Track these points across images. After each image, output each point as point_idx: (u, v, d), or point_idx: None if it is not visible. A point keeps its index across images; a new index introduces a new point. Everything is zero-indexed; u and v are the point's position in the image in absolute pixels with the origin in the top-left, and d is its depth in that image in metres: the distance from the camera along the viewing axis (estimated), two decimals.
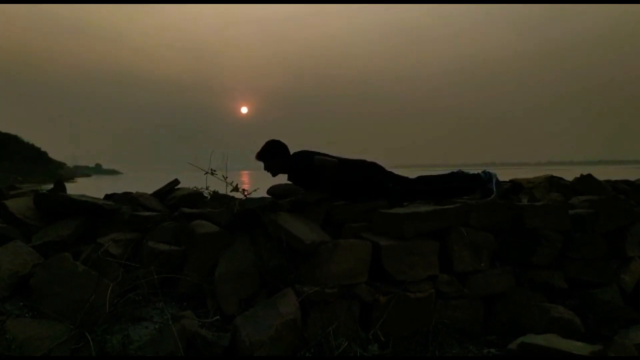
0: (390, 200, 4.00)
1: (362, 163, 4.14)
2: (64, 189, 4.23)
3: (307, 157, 4.01)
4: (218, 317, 3.04)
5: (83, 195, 4.03)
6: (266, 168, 4.16)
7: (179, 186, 4.78)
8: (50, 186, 4.43)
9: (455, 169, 4.38)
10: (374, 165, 4.15)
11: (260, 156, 4.15)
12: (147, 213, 3.83)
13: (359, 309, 3.13)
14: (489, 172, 4.17)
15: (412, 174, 4.42)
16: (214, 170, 4.00)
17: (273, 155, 4.12)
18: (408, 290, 3.20)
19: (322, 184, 3.97)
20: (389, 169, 4.23)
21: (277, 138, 4.20)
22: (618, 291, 3.71)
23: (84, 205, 3.78)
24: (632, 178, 5.97)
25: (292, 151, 4.19)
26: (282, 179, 4.29)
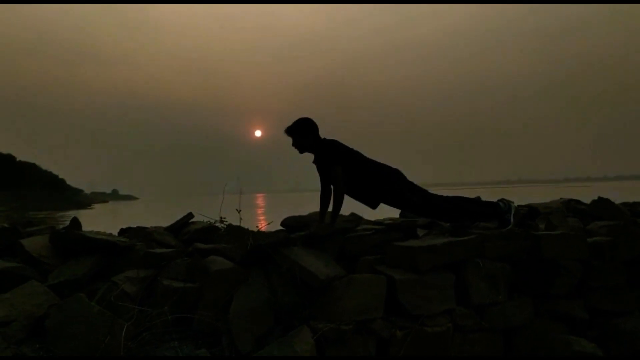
0: (405, 209, 4.00)
1: (385, 168, 4.15)
2: (80, 226, 4.27)
3: (331, 154, 4.05)
4: (233, 355, 3.02)
5: (98, 233, 4.06)
6: (294, 144, 4.18)
7: (194, 219, 4.81)
8: (69, 213, 4.47)
9: (473, 197, 4.36)
10: (396, 173, 4.15)
11: (290, 131, 4.16)
12: (161, 250, 3.84)
13: (375, 345, 3.09)
14: (507, 202, 4.13)
15: None
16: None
17: (303, 132, 4.13)
18: (425, 325, 3.15)
19: (335, 191, 4.02)
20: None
21: (308, 117, 4.20)
22: None
23: (99, 243, 3.80)
24: None
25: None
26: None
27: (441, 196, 4.16)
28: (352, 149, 4.14)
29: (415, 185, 4.14)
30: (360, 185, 4.06)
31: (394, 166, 4.18)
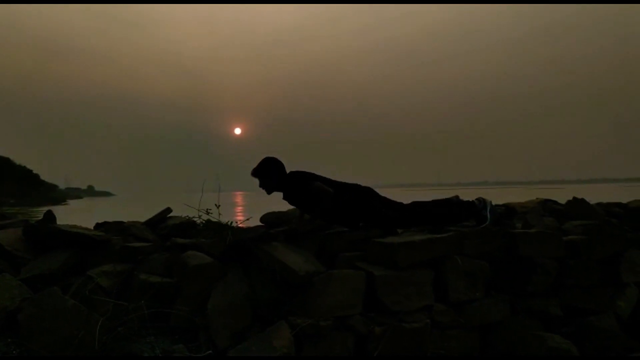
0: (384, 226, 3.97)
1: (356, 188, 4.12)
2: (54, 219, 4.18)
3: (304, 179, 3.99)
4: (210, 351, 2.98)
5: (73, 226, 3.97)
6: (261, 185, 4.13)
7: (172, 214, 4.74)
8: (43, 209, 4.37)
9: (451, 196, 4.37)
10: (368, 191, 4.12)
11: (255, 173, 4.12)
12: (138, 244, 3.78)
13: (353, 341, 3.08)
14: (483, 200, 4.17)
15: (406, 193, 4.41)
16: (209, 210, 3.98)
17: (269, 173, 4.08)
18: (403, 321, 3.15)
19: (318, 211, 3.96)
20: (383, 189, 4.21)
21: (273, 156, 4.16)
22: (614, 318, 3.67)
23: (74, 237, 3.73)
24: (623, 199, 5.98)
25: (288, 169, 4.17)
26: (277, 198, 4.25)
27: (417, 205, 4.16)
28: (320, 176, 4.10)
29: (390, 200, 4.13)
30: (336, 209, 4.00)
31: (363, 184, 4.18)
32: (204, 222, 4.18)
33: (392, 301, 3.19)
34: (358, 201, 4.00)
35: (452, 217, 4.13)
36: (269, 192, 4.15)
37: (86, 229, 4.11)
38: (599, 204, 5.44)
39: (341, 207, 3.96)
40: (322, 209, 3.92)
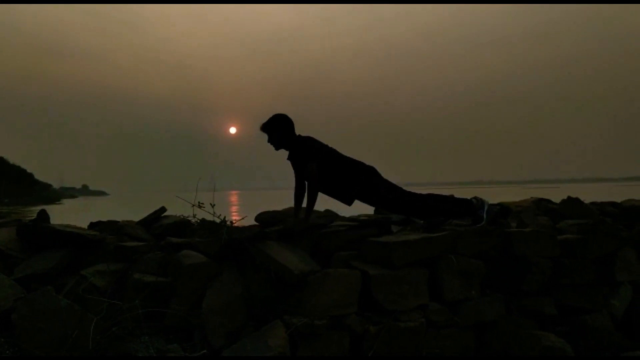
0: (379, 205, 4.03)
1: (360, 165, 4.16)
2: (48, 219, 4.17)
3: (307, 151, 4.06)
4: (205, 350, 2.98)
5: (67, 226, 3.96)
6: (269, 141, 4.17)
7: (166, 213, 4.73)
8: (37, 208, 4.36)
9: (446, 194, 4.39)
10: (371, 169, 4.17)
11: (265, 127, 4.15)
12: (132, 243, 3.77)
13: (349, 341, 3.08)
14: (481, 199, 4.18)
15: None
16: (202, 203, 3.99)
17: (278, 129, 4.12)
18: (398, 320, 3.16)
19: (309, 188, 4.07)
20: None
21: (283, 113, 4.20)
22: (608, 317, 3.69)
23: (68, 237, 3.71)
24: (618, 198, 6.02)
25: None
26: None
27: (416, 194, 4.18)
28: (327, 146, 4.15)
29: (391, 183, 4.17)
30: (335, 182, 4.08)
31: (368, 163, 4.20)
32: (198, 221, 4.18)
33: (388, 300, 3.19)
34: (358, 177, 4.07)
35: (447, 212, 4.15)
36: (276, 148, 4.22)
37: (80, 228, 4.11)
38: (594, 203, 5.47)
39: (340, 181, 4.06)
40: (311, 192, 4.04)
